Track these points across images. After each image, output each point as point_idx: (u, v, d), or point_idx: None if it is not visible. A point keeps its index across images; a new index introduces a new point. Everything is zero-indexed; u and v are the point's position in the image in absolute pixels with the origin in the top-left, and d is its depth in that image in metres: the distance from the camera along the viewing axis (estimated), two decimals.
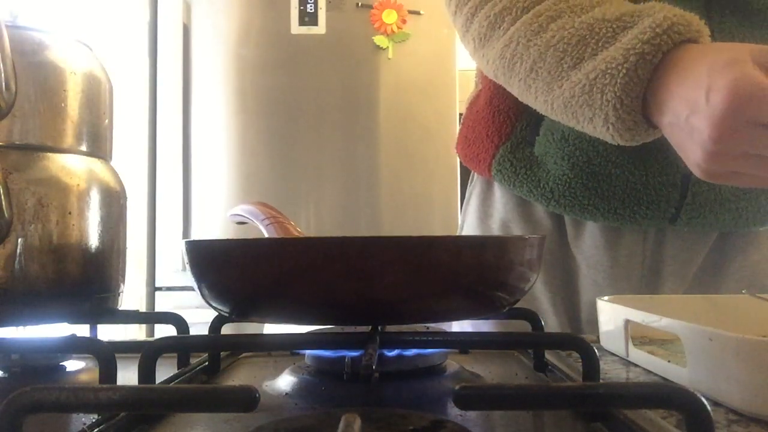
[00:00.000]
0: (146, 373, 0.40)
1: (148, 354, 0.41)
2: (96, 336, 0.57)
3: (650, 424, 0.34)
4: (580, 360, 0.41)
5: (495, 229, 0.81)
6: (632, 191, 0.69)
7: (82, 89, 0.57)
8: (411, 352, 0.45)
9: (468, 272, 0.40)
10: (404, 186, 2.06)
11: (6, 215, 0.48)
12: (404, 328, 0.50)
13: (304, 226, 1.65)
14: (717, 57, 0.48)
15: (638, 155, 0.68)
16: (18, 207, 0.50)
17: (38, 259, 0.51)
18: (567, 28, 0.58)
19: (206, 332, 0.53)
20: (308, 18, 2.06)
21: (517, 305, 0.50)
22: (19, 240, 0.51)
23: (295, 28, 2.06)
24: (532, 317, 0.56)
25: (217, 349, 0.51)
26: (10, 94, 0.48)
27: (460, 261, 0.40)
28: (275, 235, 0.58)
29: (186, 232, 2.03)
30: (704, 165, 0.49)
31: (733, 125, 0.46)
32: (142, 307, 2.00)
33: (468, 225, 0.87)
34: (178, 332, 0.56)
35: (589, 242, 0.76)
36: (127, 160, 1.97)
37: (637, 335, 0.59)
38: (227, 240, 0.43)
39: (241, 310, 0.44)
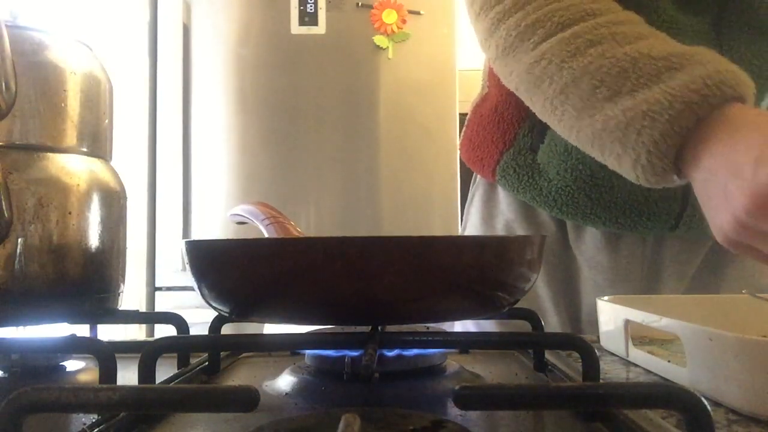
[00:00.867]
0: (146, 373, 0.40)
1: (148, 354, 0.41)
2: (96, 336, 0.57)
3: (650, 424, 0.34)
4: (580, 360, 0.41)
5: (499, 230, 0.82)
6: (634, 203, 0.70)
7: (82, 89, 0.57)
8: (411, 352, 0.45)
9: (468, 272, 0.40)
10: (404, 186, 2.06)
11: (6, 215, 0.48)
12: (404, 328, 0.50)
13: (304, 226, 1.65)
14: None
15: None
16: (18, 207, 0.50)
17: (38, 259, 0.51)
18: (607, 56, 0.55)
19: (206, 332, 0.53)
20: (308, 18, 2.06)
21: (520, 305, 0.50)
22: (19, 240, 0.51)
23: (295, 28, 2.06)
24: (532, 317, 0.56)
25: (217, 349, 0.51)
26: (10, 94, 0.48)
27: (460, 261, 0.40)
28: (275, 235, 0.58)
29: (186, 232, 2.03)
30: (729, 232, 0.47)
31: None
32: (142, 307, 2.00)
33: (471, 225, 0.87)
34: (178, 332, 0.56)
35: (590, 244, 0.77)
36: (127, 160, 1.97)
37: (637, 335, 0.59)
38: (227, 240, 0.43)
39: (241, 310, 0.44)
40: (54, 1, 1.99)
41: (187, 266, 0.44)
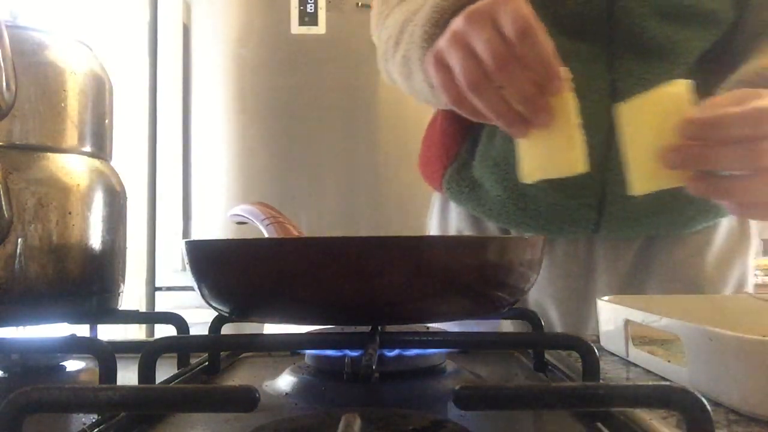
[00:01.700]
0: (146, 373, 0.40)
1: (148, 354, 0.41)
2: (96, 336, 0.57)
3: (650, 424, 0.34)
4: (580, 360, 0.41)
5: None
6: (555, 211, 0.76)
7: (82, 89, 0.57)
8: (411, 352, 0.45)
9: (468, 272, 0.40)
10: (404, 186, 2.06)
11: (6, 215, 0.48)
12: (404, 328, 0.50)
13: (304, 226, 1.65)
14: None
15: (557, 180, 0.75)
16: (18, 207, 0.50)
17: (38, 259, 0.51)
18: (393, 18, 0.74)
19: (206, 332, 0.53)
20: (308, 18, 2.05)
21: None
22: (19, 240, 0.50)
23: (295, 28, 2.06)
24: (532, 317, 0.56)
25: (217, 349, 0.51)
26: (10, 94, 0.48)
27: (460, 261, 0.40)
28: (275, 235, 0.58)
29: (186, 232, 2.03)
30: (442, 43, 0.56)
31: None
32: (142, 307, 2.00)
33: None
34: (178, 332, 0.56)
35: None
36: (127, 160, 1.96)
37: (637, 335, 0.59)
38: (227, 240, 0.43)
39: (241, 310, 0.44)
40: (54, 1, 1.99)
41: (187, 266, 0.44)
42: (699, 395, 0.28)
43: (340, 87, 2.06)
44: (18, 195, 0.50)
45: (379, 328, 0.43)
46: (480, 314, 0.45)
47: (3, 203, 0.48)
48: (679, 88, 0.50)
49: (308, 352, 0.47)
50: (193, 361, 0.52)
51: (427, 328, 0.52)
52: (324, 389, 0.43)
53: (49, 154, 0.54)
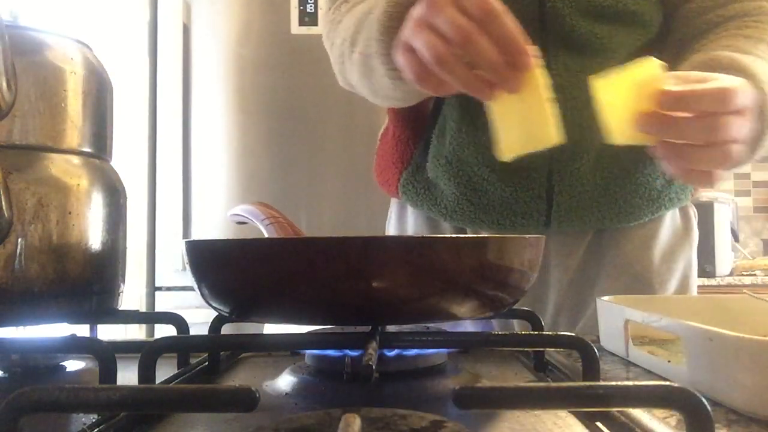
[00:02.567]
0: (146, 373, 0.40)
1: (148, 354, 0.41)
2: (96, 336, 0.57)
3: (650, 424, 0.34)
4: (580, 360, 0.41)
5: None
6: (507, 204, 0.78)
7: (82, 89, 0.57)
8: (411, 352, 0.45)
9: (468, 272, 0.40)
10: None
11: (6, 215, 0.48)
12: (404, 328, 0.50)
13: (304, 226, 1.65)
14: None
15: (506, 173, 0.77)
16: (18, 207, 0.50)
17: (38, 259, 0.51)
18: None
19: (206, 332, 0.53)
20: (308, 18, 2.05)
21: None
22: (19, 240, 0.50)
23: (295, 28, 2.06)
24: (532, 317, 0.56)
25: (217, 349, 0.51)
26: (10, 94, 0.48)
27: (460, 261, 0.40)
28: (275, 235, 0.58)
29: (186, 232, 2.03)
30: (406, 31, 0.57)
31: None
32: (142, 307, 2.00)
33: None
34: (178, 332, 0.56)
35: None
36: (127, 160, 1.96)
37: (637, 335, 0.59)
38: (227, 240, 0.43)
39: (241, 310, 0.44)
40: (54, 1, 1.99)
41: (187, 266, 0.44)
42: (699, 395, 0.28)
43: (340, 87, 2.06)
44: (18, 195, 0.50)
45: (379, 328, 0.43)
46: (480, 314, 0.45)
47: (3, 203, 0.48)
48: (653, 63, 0.55)
49: (308, 352, 0.47)
50: (193, 361, 0.52)
51: (427, 328, 0.52)
52: (324, 389, 0.43)
53: (49, 154, 0.54)
